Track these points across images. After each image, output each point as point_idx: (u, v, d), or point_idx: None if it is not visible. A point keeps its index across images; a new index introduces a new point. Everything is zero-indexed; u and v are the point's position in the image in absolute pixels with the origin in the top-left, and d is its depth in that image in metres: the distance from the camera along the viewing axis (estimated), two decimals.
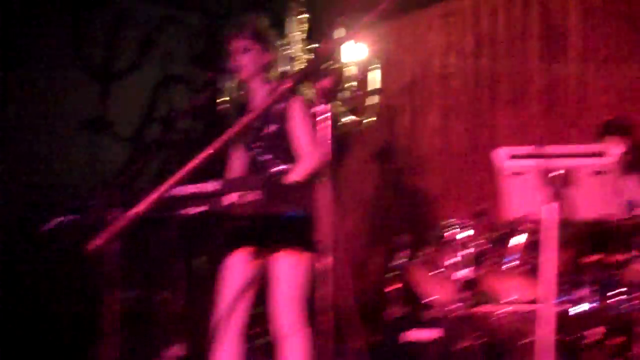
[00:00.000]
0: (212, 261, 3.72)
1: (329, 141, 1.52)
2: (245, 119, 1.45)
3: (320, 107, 1.41)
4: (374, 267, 6.36)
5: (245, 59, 3.63)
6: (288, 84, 1.39)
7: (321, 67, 1.40)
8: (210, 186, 2.96)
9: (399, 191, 6.34)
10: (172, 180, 1.52)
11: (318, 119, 1.44)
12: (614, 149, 2.91)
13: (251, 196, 2.83)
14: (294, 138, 3.49)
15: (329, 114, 1.41)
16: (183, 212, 3.03)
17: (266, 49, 3.69)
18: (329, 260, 1.46)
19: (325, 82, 1.41)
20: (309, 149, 3.44)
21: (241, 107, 4.03)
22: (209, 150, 1.48)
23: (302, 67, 1.37)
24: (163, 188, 1.52)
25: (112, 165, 5.77)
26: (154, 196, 1.47)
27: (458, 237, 4.05)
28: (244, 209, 2.93)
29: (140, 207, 1.46)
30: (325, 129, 1.44)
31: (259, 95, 3.70)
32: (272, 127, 3.56)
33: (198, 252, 3.87)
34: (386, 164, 6.47)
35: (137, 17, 5.99)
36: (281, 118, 3.53)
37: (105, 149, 5.82)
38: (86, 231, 3.26)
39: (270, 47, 3.71)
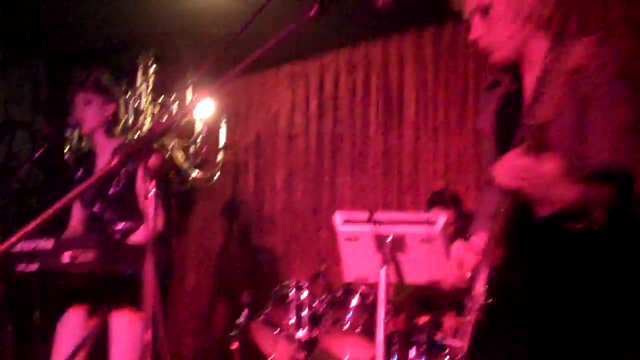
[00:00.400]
0: (48, 318, 3.60)
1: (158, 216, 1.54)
2: (88, 181, 1.45)
3: (148, 185, 1.43)
4: (217, 324, 6.31)
5: (87, 112, 3.61)
6: (115, 161, 1.41)
7: (151, 144, 1.42)
8: (44, 244, 2.88)
9: (243, 248, 6.36)
10: (9, 242, 1.45)
11: (147, 195, 1.46)
12: (441, 218, 3.07)
13: (86, 255, 2.79)
14: (141, 198, 3.48)
15: (153, 191, 1.43)
16: (17, 269, 2.94)
17: (108, 101, 3.68)
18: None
19: (152, 161, 1.44)
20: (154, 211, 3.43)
21: (84, 159, 3.96)
22: (50, 210, 1.43)
23: (131, 142, 1.37)
24: (4, 246, 1.46)
25: None
26: None
27: (297, 297, 4.11)
28: (79, 268, 2.88)
29: None
30: (151, 206, 1.46)
31: (104, 149, 3.66)
32: (117, 186, 3.53)
33: (32, 309, 3.72)
34: (232, 220, 6.50)
35: None
36: (128, 177, 3.51)
37: None
38: None
39: (112, 99, 3.71)
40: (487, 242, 2.10)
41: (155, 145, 1.44)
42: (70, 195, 1.35)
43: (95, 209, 3.62)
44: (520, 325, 2.07)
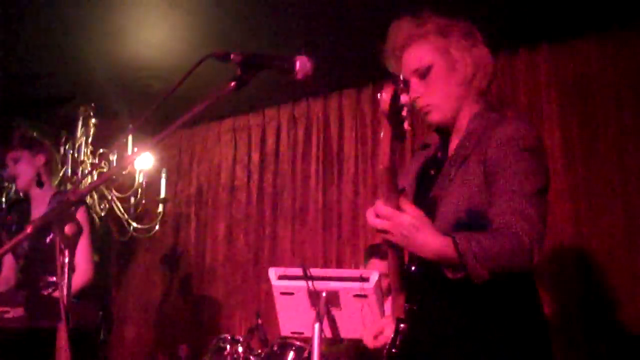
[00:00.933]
0: None
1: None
2: (5, 246, 1.46)
3: (63, 253, 1.45)
4: None
5: (18, 168, 3.63)
6: (29, 229, 1.44)
7: (67, 212, 1.44)
8: None
9: (184, 299, 6.32)
10: None
11: (63, 262, 1.47)
12: (374, 275, 3.12)
13: (15, 311, 2.76)
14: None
15: (66, 262, 1.45)
16: None
17: (37, 153, 3.70)
18: None
19: (67, 229, 1.46)
20: (83, 265, 3.42)
21: (18, 204, 3.94)
22: None
23: (49, 212, 1.39)
24: None
25: None
26: None
27: (234, 350, 4.10)
28: (8, 323, 2.84)
29: None
30: (65, 275, 1.48)
31: (38, 198, 3.66)
32: (50, 238, 3.51)
33: None
34: (172, 271, 6.45)
35: None
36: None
37: None
38: None
39: (40, 150, 3.73)
40: (392, 297, 2.15)
41: (71, 213, 1.46)
42: (5, 247, 1.36)
43: (28, 260, 3.60)
44: None
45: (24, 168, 3.66)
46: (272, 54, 1.74)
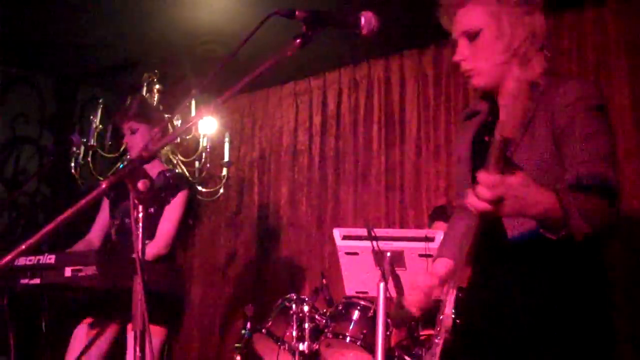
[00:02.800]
0: (54, 329, 3.68)
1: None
2: (80, 203, 1.51)
3: (137, 208, 1.49)
4: (222, 335, 6.36)
5: (133, 139, 3.72)
6: (104, 185, 1.47)
7: (139, 168, 1.47)
8: (47, 258, 2.95)
9: (248, 261, 6.42)
10: (10, 256, 1.49)
11: (137, 217, 1.52)
12: (439, 234, 3.12)
13: (87, 270, 2.85)
14: (162, 219, 3.59)
15: (140, 216, 1.49)
16: (21, 282, 3.00)
17: (154, 126, 3.80)
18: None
19: (140, 185, 1.49)
20: (163, 238, 3.54)
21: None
22: (48, 227, 1.47)
23: (123, 168, 1.42)
24: (9, 257, 1.49)
25: None
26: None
27: (299, 310, 4.16)
28: (80, 282, 2.94)
29: None
30: (139, 228, 1.52)
31: (150, 172, 3.77)
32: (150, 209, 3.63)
33: (39, 320, 3.80)
34: (236, 235, 6.56)
35: None
36: (161, 201, 3.62)
37: None
38: None
39: (156, 123, 3.82)
40: (454, 265, 2.14)
41: (144, 170, 1.50)
42: (64, 215, 1.41)
43: (123, 221, 3.73)
44: (492, 345, 2.09)
45: (140, 140, 3.75)
46: (336, 10, 1.74)
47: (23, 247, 1.41)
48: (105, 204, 3.93)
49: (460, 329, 2.07)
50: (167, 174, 3.76)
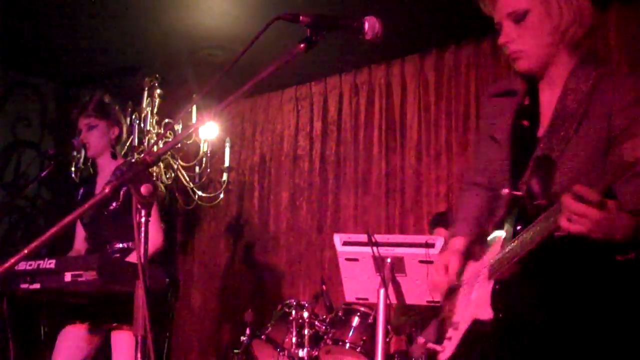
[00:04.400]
0: (52, 333, 3.67)
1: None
2: (83, 206, 1.50)
3: (140, 213, 1.48)
4: (222, 341, 6.35)
5: (91, 136, 3.67)
6: (108, 189, 1.47)
7: (144, 172, 1.46)
8: (47, 263, 2.94)
9: (248, 267, 6.41)
10: (10, 262, 1.48)
11: (139, 221, 1.51)
12: (439, 240, 3.10)
13: (87, 274, 2.84)
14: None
15: (142, 221, 1.48)
16: (21, 286, 2.99)
17: (113, 124, 3.74)
18: None
19: (144, 189, 1.48)
20: (153, 232, 3.49)
21: (87, 180, 4.02)
22: (50, 232, 1.46)
23: (125, 172, 1.41)
24: (11, 261, 1.47)
25: None
26: None
27: (299, 316, 4.15)
28: (80, 287, 2.93)
29: None
30: (142, 233, 1.51)
31: (105, 170, 3.72)
32: (116, 205, 3.57)
33: (38, 324, 3.79)
34: (237, 239, 6.55)
35: None
36: (126, 196, 3.55)
37: None
38: None
39: (116, 122, 3.77)
40: (470, 243, 2.10)
41: (147, 174, 1.49)
42: (67, 218, 1.40)
43: (95, 228, 3.68)
44: (536, 339, 2.02)
45: (97, 137, 3.69)
46: (340, 15, 1.73)
47: (25, 251, 1.40)
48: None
49: (499, 321, 2.03)
50: (124, 169, 3.69)
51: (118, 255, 3.52)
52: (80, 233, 3.85)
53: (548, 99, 2.15)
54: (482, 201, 2.33)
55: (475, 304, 2.12)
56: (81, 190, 3.87)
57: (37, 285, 2.92)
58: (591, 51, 2.18)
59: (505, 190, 2.10)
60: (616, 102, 1.99)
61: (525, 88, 2.24)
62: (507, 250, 2.04)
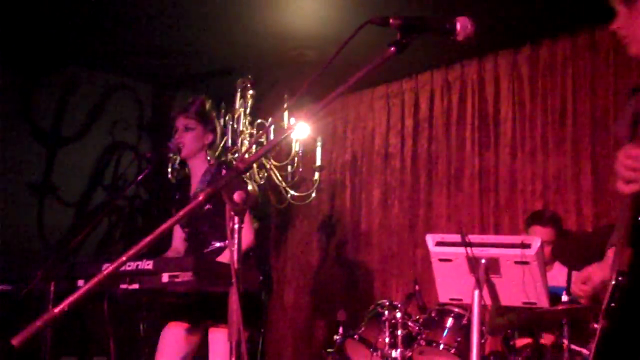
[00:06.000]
0: (152, 332, 3.77)
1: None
2: (179, 214, 1.53)
3: (233, 219, 1.50)
4: (315, 340, 6.40)
5: (187, 137, 3.74)
6: (202, 197, 1.49)
7: (235, 180, 1.48)
8: (145, 264, 3.02)
9: (340, 266, 6.43)
10: (115, 264, 1.52)
11: (232, 228, 1.53)
12: (536, 241, 3.03)
13: (184, 275, 2.90)
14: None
15: (236, 227, 1.50)
16: (120, 287, 3.08)
17: (209, 130, 3.80)
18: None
19: (237, 196, 1.50)
20: (243, 231, 3.54)
21: (182, 182, 4.11)
22: (150, 237, 1.50)
23: (220, 179, 1.43)
24: (112, 267, 1.51)
25: (58, 230, 5.78)
26: (101, 275, 1.48)
27: (392, 316, 4.13)
28: (177, 287, 2.99)
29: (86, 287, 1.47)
30: (235, 239, 1.53)
31: (198, 173, 3.80)
32: (212, 206, 3.63)
33: (138, 324, 3.91)
34: (329, 238, 6.58)
35: (86, 83, 6.07)
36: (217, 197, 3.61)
37: (52, 214, 5.83)
38: (24, 301, 3.30)
39: (212, 128, 3.83)
40: (616, 248, 2.05)
41: (240, 181, 1.51)
42: (163, 226, 1.43)
43: (193, 229, 3.75)
44: None
45: (193, 139, 3.74)
46: (431, 16, 1.70)
47: (124, 258, 1.44)
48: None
49: (619, 314, 1.96)
50: (213, 170, 3.74)
51: (214, 255, 3.58)
52: (178, 233, 3.94)
53: None
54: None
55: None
56: (177, 195, 3.95)
57: (135, 286, 3.00)
58: None
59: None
60: None
61: None
62: None
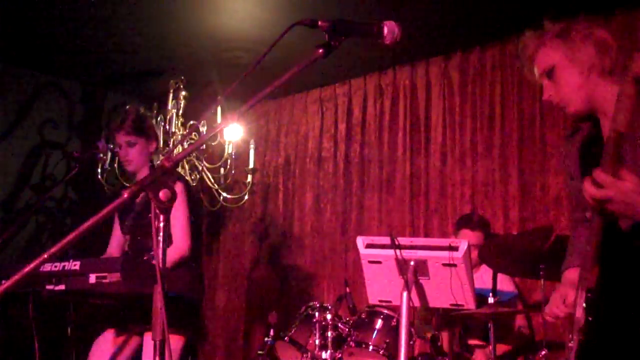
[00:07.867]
0: (79, 334, 3.70)
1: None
2: (107, 208, 1.51)
3: (158, 218, 1.49)
4: (246, 342, 6.37)
5: (132, 153, 3.72)
6: (126, 194, 1.48)
7: (162, 178, 1.47)
8: (72, 265, 2.97)
9: (272, 268, 6.42)
10: (34, 263, 1.49)
11: (158, 227, 1.52)
12: (463, 243, 3.09)
13: (112, 276, 2.86)
14: (171, 223, 3.55)
15: (161, 226, 1.49)
16: (46, 287, 3.02)
17: (151, 140, 3.79)
18: None
19: (162, 195, 1.50)
20: (180, 239, 3.52)
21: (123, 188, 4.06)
22: (78, 231, 1.47)
23: (144, 178, 1.42)
24: (32, 265, 1.48)
25: None
26: (20, 274, 1.45)
27: (322, 318, 4.14)
28: (105, 288, 2.95)
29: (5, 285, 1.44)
30: (160, 238, 1.52)
31: None
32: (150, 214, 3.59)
33: (65, 326, 3.83)
34: (261, 241, 6.57)
35: (13, 82, 5.92)
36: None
37: None
38: None
39: (154, 136, 3.82)
40: (582, 268, 2.16)
41: (165, 179, 1.50)
42: (89, 222, 1.42)
43: (135, 236, 3.72)
44: (625, 343, 2.11)
45: (137, 153, 3.73)
46: (359, 20, 1.73)
47: (45, 256, 1.41)
48: (117, 219, 3.91)
49: (593, 328, 2.08)
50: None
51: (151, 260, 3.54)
52: (115, 239, 3.90)
53: (608, 128, 2.24)
54: (588, 233, 2.39)
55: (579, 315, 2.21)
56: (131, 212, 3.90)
57: (62, 287, 2.95)
58: (627, 68, 2.22)
59: (588, 214, 2.24)
60: None
61: (589, 124, 2.41)
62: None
